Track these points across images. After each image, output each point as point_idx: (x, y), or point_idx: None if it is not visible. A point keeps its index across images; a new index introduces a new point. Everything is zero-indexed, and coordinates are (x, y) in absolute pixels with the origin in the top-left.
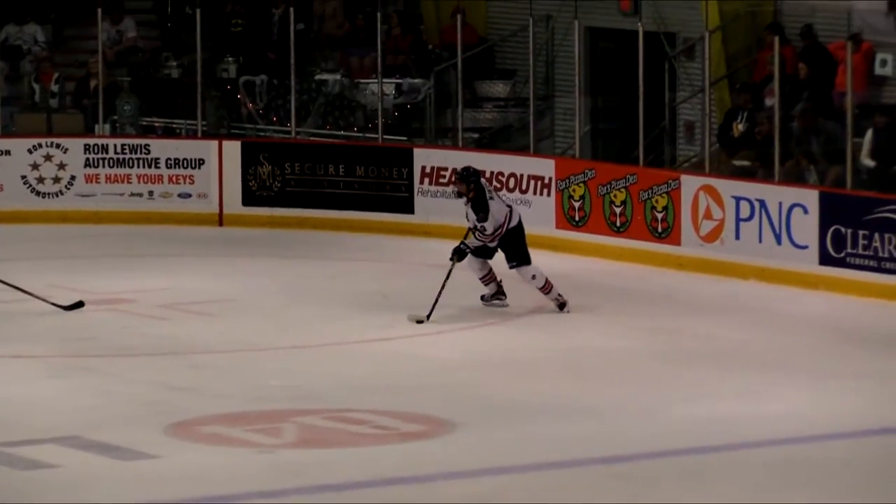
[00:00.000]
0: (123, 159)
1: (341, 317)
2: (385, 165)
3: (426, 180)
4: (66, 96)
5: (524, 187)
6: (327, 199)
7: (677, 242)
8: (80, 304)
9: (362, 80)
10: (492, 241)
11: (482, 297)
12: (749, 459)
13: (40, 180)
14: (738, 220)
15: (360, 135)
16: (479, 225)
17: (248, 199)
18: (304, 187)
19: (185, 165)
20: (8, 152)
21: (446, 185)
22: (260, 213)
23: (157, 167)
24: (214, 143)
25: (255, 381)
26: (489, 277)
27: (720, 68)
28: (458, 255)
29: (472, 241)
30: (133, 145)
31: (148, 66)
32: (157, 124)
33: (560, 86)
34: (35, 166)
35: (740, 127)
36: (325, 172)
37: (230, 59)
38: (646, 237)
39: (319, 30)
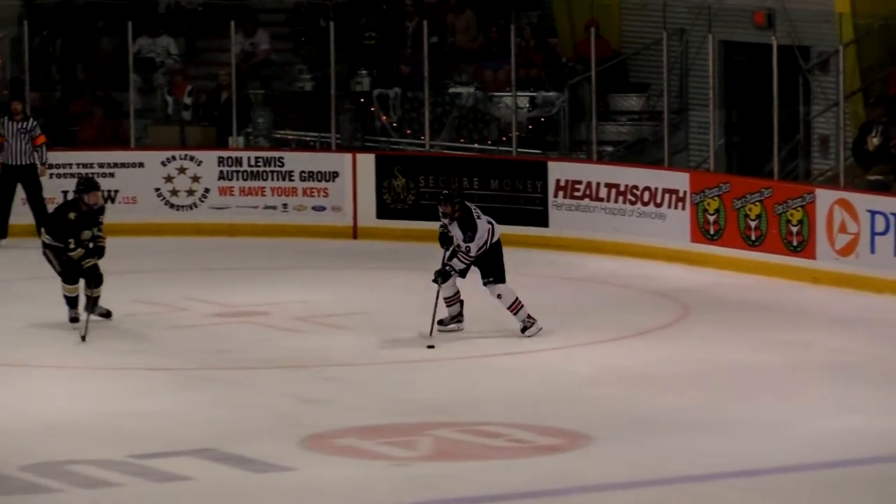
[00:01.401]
0: (257, 172)
1: (475, 330)
2: (519, 179)
3: (560, 193)
4: (198, 109)
5: (658, 201)
6: None
7: (812, 256)
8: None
9: (496, 93)
10: (473, 260)
11: (440, 322)
12: (884, 473)
13: (174, 193)
14: (873, 233)
15: (494, 148)
16: (463, 245)
17: (383, 211)
18: (437, 200)
19: (320, 178)
20: (141, 165)
21: (580, 198)
22: (394, 225)
23: (291, 180)
24: (348, 156)
25: (390, 393)
26: (455, 299)
27: (854, 82)
28: (443, 277)
29: (457, 263)
30: (267, 158)
31: (281, 79)
32: (290, 137)
33: (694, 99)
34: (169, 179)
35: (875, 141)
36: (460, 185)
37: (364, 72)
38: (780, 251)
39: (453, 43)
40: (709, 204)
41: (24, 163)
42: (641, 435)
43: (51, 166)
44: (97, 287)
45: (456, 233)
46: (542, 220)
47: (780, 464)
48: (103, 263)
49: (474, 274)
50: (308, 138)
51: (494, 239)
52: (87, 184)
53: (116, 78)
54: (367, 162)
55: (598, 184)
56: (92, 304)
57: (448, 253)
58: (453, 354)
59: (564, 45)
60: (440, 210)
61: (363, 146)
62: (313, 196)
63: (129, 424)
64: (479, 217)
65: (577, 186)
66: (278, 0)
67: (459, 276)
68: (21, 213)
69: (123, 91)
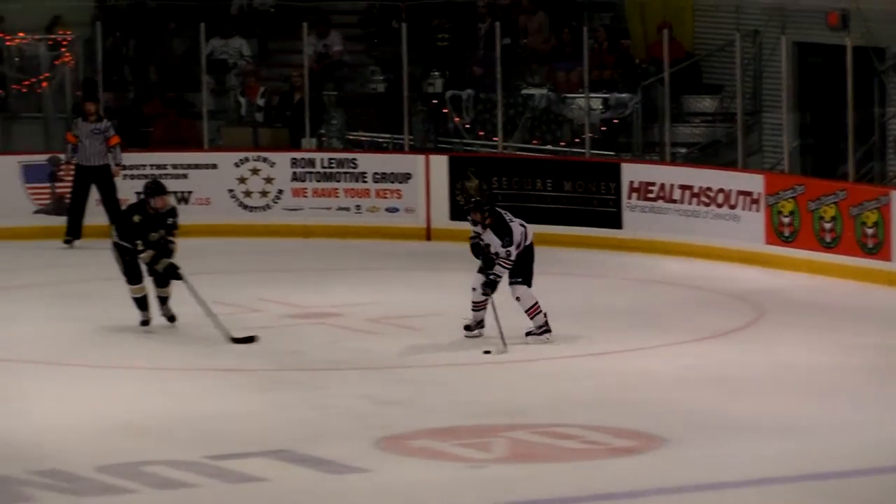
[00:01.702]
0: (330, 173)
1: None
2: (592, 180)
3: (634, 195)
4: (271, 110)
5: (733, 203)
6: (534, 214)
7: (888, 258)
8: (252, 339)
9: (569, 95)
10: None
11: (466, 327)
12: None
13: (247, 194)
14: None
15: (567, 149)
16: (502, 251)
17: (456, 213)
18: (511, 202)
19: (393, 180)
20: (215, 166)
21: (654, 200)
22: (467, 227)
23: (364, 181)
24: (422, 157)
25: (464, 395)
26: (482, 305)
27: None
28: (491, 287)
29: (500, 270)
30: (340, 159)
31: (354, 81)
32: (363, 139)
33: (768, 101)
34: (242, 180)
35: None
36: (533, 187)
37: (436, 73)
38: (856, 253)
39: (525, 44)
40: (783, 206)
41: (98, 163)
42: (717, 437)
43: (124, 167)
44: (165, 287)
45: (491, 240)
46: (616, 222)
47: (856, 467)
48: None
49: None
50: (381, 140)
51: (528, 241)
52: (153, 188)
53: (189, 79)
54: (440, 163)
55: (672, 185)
56: (162, 301)
57: (482, 260)
58: (528, 356)
59: (637, 47)
60: (470, 219)
61: (436, 148)
62: (386, 198)
63: (204, 425)
64: (511, 221)
65: (650, 188)
66: (351, 1)
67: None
68: (95, 214)
69: (196, 92)
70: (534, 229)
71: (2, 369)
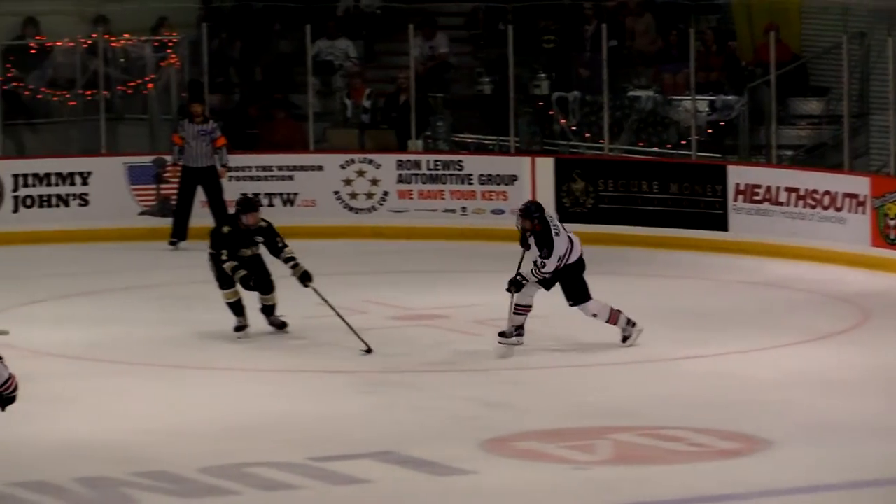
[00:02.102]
0: (436, 175)
1: (655, 334)
2: (699, 182)
3: (740, 197)
4: (377, 112)
5: (839, 205)
6: (640, 216)
7: None
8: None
9: (675, 97)
10: (546, 276)
11: (501, 333)
12: None
13: (353, 196)
14: None
15: (673, 151)
16: (539, 261)
17: (562, 215)
18: (617, 204)
19: (499, 182)
20: (321, 168)
21: (760, 202)
22: (573, 229)
23: (470, 183)
24: (527, 159)
25: (569, 397)
26: (525, 310)
27: None
28: (516, 286)
29: (529, 275)
30: (446, 161)
31: (460, 82)
32: (469, 140)
33: (874, 103)
34: (348, 182)
35: None
36: (639, 189)
37: (542, 75)
38: None
39: (631, 46)
40: (889, 208)
41: (204, 165)
42: (823, 439)
43: (230, 169)
44: (268, 294)
45: (534, 247)
46: (722, 224)
47: None
48: (275, 269)
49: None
50: (487, 142)
51: (572, 259)
52: (245, 204)
53: (295, 81)
54: (546, 165)
55: (778, 188)
56: (268, 311)
57: (523, 256)
58: (633, 358)
59: (744, 49)
60: (518, 223)
61: (542, 150)
62: (492, 199)
63: (308, 426)
64: (557, 234)
65: (756, 190)
66: (457, 3)
67: (543, 287)
68: (200, 216)
69: (302, 94)
70: (639, 231)
71: (105, 371)
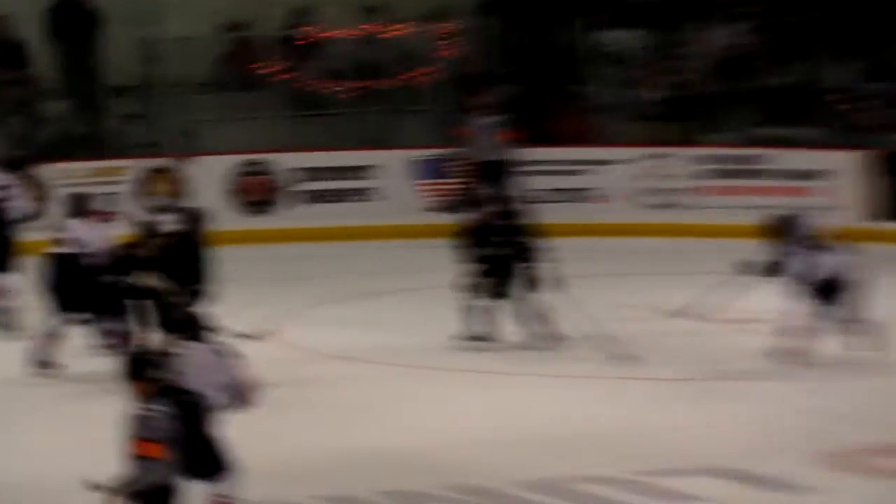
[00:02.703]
0: (735, 171)
1: None
2: None
3: None
4: (673, 104)
5: None
6: None
7: None
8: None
9: None
10: None
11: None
12: None
13: (648, 191)
14: None
15: None
16: None
17: (879, 212)
18: None
19: (804, 177)
20: (613, 162)
21: None
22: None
23: (771, 179)
24: (833, 153)
25: None
26: None
27: None
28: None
29: None
30: (745, 156)
31: (756, 74)
32: (768, 135)
33: None
34: (642, 177)
35: None
36: None
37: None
38: None
39: None
40: None
41: (491, 158)
42: None
43: (524, 163)
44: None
45: None
46: None
47: None
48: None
49: None
50: (787, 135)
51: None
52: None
53: (584, 73)
54: (853, 160)
55: None
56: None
57: None
58: None
59: None
60: None
61: (850, 143)
62: (797, 196)
63: (629, 439)
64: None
65: None
66: None
67: None
68: None
69: (593, 86)
70: None
71: (395, 376)
